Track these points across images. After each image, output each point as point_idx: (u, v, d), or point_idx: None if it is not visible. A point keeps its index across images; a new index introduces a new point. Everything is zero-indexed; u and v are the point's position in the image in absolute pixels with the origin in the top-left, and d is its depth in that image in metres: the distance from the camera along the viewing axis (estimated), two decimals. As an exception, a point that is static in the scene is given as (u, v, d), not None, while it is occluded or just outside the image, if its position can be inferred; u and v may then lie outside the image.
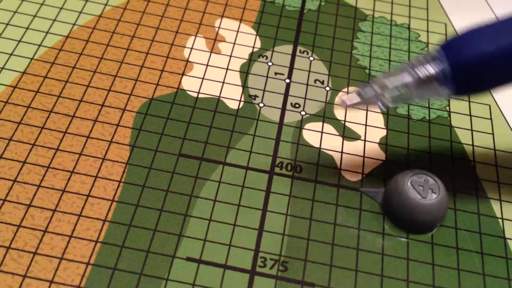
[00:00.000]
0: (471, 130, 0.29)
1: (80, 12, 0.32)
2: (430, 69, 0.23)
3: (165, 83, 0.29)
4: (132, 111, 0.28)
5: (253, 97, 0.29)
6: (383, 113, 0.29)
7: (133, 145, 0.27)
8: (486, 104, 0.30)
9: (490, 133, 0.29)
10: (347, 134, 0.28)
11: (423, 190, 0.25)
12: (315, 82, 0.30)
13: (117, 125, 0.27)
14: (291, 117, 0.29)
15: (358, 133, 0.28)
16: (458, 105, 0.30)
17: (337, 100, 0.26)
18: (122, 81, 0.29)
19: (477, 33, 0.22)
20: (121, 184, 0.25)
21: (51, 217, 0.24)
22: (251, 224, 0.25)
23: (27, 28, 0.31)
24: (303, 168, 0.27)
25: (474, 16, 0.34)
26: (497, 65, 0.22)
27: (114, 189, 0.25)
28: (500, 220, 0.26)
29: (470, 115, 0.29)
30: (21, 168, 0.25)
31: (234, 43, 0.31)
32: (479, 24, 0.23)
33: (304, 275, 0.24)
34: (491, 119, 0.29)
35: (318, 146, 0.28)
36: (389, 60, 0.31)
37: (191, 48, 0.31)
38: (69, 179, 0.25)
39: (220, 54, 0.31)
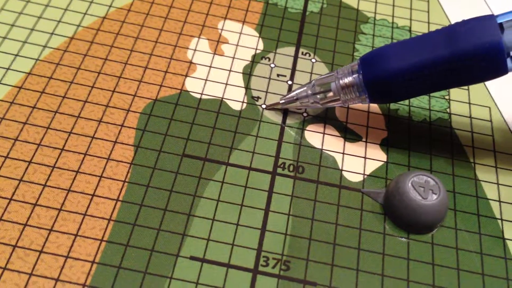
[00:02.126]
0: (471, 131, 0.29)
1: (85, 14, 0.32)
2: (350, 79, 0.26)
3: (168, 84, 0.30)
4: (136, 112, 0.28)
5: (256, 99, 0.30)
6: (384, 114, 0.29)
7: (137, 145, 0.27)
8: (486, 107, 0.30)
9: (490, 135, 0.29)
10: (348, 135, 0.29)
11: (423, 191, 0.25)
12: (317, 83, 0.30)
13: (122, 125, 0.28)
14: (293, 118, 0.29)
15: (360, 134, 0.29)
16: (458, 107, 0.30)
17: (270, 103, 0.29)
18: (126, 82, 0.29)
19: (386, 52, 0.26)
20: (126, 184, 0.26)
21: (57, 216, 0.24)
22: (253, 224, 0.25)
23: (32, 29, 0.31)
24: (305, 168, 0.27)
25: (474, 19, 0.35)
26: (399, 80, 0.25)
27: (118, 189, 0.26)
28: (499, 221, 0.26)
29: (470, 117, 0.30)
30: (27, 168, 0.26)
31: (237, 45, 0.32)
32: (393, 42, 0.27)
33: (306, 275, 0.24)
34: (491, 121, 0.30)
35: (320, 147, 0.28)
36: (390, 62, 0.32)
37: (195, 50, 0.31)
38: (74, 178, 0.26)
39: (223, 55, 0.31)
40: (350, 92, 0.26)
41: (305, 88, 0.28)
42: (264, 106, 0.29)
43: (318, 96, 0.27)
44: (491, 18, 0.25)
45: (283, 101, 0.28)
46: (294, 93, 0.28)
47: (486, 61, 0.24)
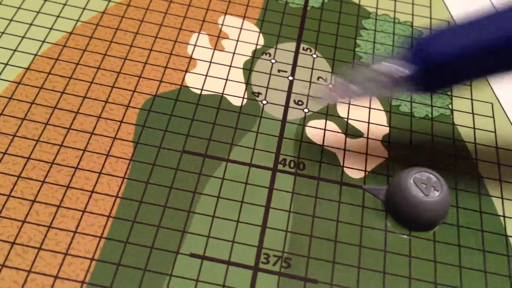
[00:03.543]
0: (474, 128, 0.29)
1: (84, 9, 0.32)
2: (399, 66, 0.24)
3: (168, 80, 0.29)
4: (135, 108, 0.28)
5: (256, 94, 0.29)
6: (386, 110, 0.29)
7: (137, 141, 0.27)
8: (489, 103, 0.30)
9: (492, 131, 0.29)
10: (350, 131, 0.28)
11: (425, 188, 0.25)
12: (318, 79, 0.30)
13: (121, 121, 0.27)
14: (294, 114, 0.29)
15: (361, 130, 0.28)
16: (460, 103, 0.30)
17: (311, 93, 0.27)
18: (126, 78, 0.29)
19: (440, 36, 0.24)
20: (125, 180, 0.26)
21: (56, 213, 0.24)
22: (254, 220, 0.25)
23: (31, 24, 0.31)
24: (306, 165, 0.27)
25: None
26: (460, 65, 0.23)
27: (118, 185, 0.25)
28: (501, 218, 0.26)
29: (473, 113, 0.30)
30: (25, 164, 0.26)
31: (238, 40, 0.31)
32: (443, 27, 0.24)
33: (307, 272, 0.24)
34: (493, 117, 0.29)
35: (321, 143, 0.28)
36: (392, 58, 0.31)
37: (195, 45, 0.31)
38: (73, 175, 0.25)
39: (224, 51, 0.31)
40: (399, 81, 0.24)
41: (341, 78, 0.25)
42: (306, 110, 0.26)
43: (361, 86, 0.25)
44: None
45: (321, 95, 0.26)
46: (331, 84, 0.25)
47: None
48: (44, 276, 0.23)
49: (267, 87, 0.30)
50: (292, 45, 0.32)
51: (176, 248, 0.24)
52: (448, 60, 0.23)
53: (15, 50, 0.30)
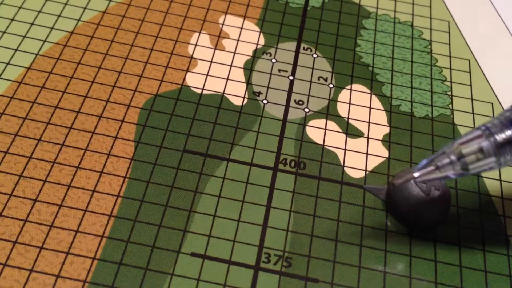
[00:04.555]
0: (474, 128, 0.29)
1: (85, 8, 0.32)
2: (508, 132, 0.21)
3: (169, 80, 0.29)
4: (136, 107, 0.28)
5: (257, 94, 0.29)
6: (386, 110, 0.29)
7: (138, 141, 0.27)
8: (489, 102, 0.30)
9: (492, 131, 0.29)
10: (350, 131, 0.28)
11: (426, 187, 0.25)
12: (318, 79, 0.30)
13: (122, 121, 0.27)
14: (295, 114, 0.29)
15: (362, 130, 0.28)
16: (461, 103, 0.30)
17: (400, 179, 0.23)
18: (127, 77, 0.29)
19: None
20: (126, 179, 0.26)
21: (57, 212, 0.24)
22: (255, 220, 0.25)
23: (32, 24, 0.31)
24: (306, 164, 0.27)
25: (476, 13, 0.35)
26: None
27: (119, 185, 0.25)
28: (502, 218, 0.26)
29: (473, 113, 0.30)
30: (27, 163, 0.26)
31: (238, 40, 0.32)
32: None
33: (307, 271, 0.24)
34: (493, 117, 0.30)
35: (322, 143, 0.28)
36: (392, 58, 0.31)
37: (195, 45, 0.31)
38: (74, 174, 0.25)
39: (224, 50, 0.31)
40: (511, 150, 0.21)
41: (445, 153, 0.22)
42: (393, 179, 0.23)
43: (467, 160, 0.21)
44: None
45: (418, 174, 0.22)
46: (434, 161, 0.22)
47: None
48: (46, 275, 0.23)
49: (267, 87, 0.30)
50: (292, 45, 0.32)
51: (177, 248, 0.24)
52: None
53: (16, 50, 0.30)
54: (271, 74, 0.30)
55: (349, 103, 0.29)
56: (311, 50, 0.32)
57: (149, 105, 0.28)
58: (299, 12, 0.33)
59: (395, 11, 0.34)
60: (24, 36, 0.30)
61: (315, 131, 0.28)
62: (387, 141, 0.28)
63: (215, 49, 0.31)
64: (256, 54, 0.31)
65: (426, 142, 0.28)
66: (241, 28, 0.32)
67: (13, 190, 0.25)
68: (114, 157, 0.26)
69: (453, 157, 0.22)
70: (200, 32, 0.32)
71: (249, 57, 0.31)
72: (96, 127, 0.27)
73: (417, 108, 0.30)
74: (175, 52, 0.31)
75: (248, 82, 0.30)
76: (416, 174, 0.22)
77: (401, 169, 0.27)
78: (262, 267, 0.24)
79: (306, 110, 0.29)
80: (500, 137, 0.21)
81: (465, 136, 0.22)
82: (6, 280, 0.22)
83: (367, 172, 0.27)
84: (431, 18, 0.34)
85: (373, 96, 0.30)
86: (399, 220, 0.25)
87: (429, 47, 0.32)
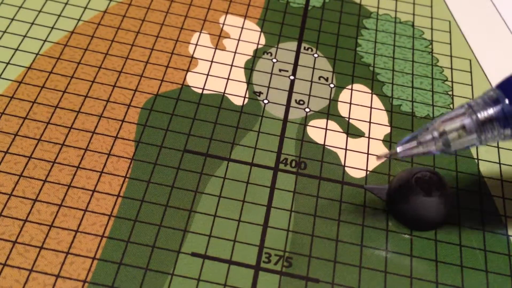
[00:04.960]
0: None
1: (85, 8, 0.32)
2: (491, 111, 0.22)
3: (170, 79, 0.29)
4: (137, 107, 0.28)
5: (258, 94, 0.29)
6: (387, 110, 0.29)
7: (138, 140, 0.27)
8: (490, 102, 0.30)
9: (494, 131, 0.29)
10: (351, 131, 0.28)
11: (427, 188, 0.25)
12: (319, 79, 0.30)
13: (122, 120, 0.27)
14: (296, 113, 0.29)
15: (362, 130, 0.28)
16: (462, 101, 0.30)
17: (381, 153, 0.24)
18: (127, 77, 0.29)
19: None
20: (127, 179, 0.26)
21: (57, 212, 0.24)
22: (255, 220, 0.25)
23: (32, 23, 0.31)
24: (307, 164, 0.27)
25: (477, 13, 0.34)
26: None
27: (119, 185, 0.25)
28: (503, 218, 0.26)
29: (474, 113, 0.30)
30: (27, 163, 0.26)
31: (239, 40, 0.31)
32: None
33: (308, 271, 0.24)
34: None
35: (322, 143, 0.28)
36: (393, 58, 0.31)
37: (196, 44, 0.31)
38: (74, 174, 0.25)
39: (225, 50, 0.31)
40: (492, 128, 0.22)
41: (428, 130, 0.23)
42: (377, 156, 0.24)
43: (449, 137, 0.22)
44: None
45: (401, 149, 0.23)
46: (416, 136, 0.23)
47: None
48: (45, 275, 0.23)
49: (268, 87, 0.30)
50: (293, 45, 0.32)
51: (177, 247, 0.24)
52: None
53: (16, 49, 0.30)
54: (271, 74, 0.30)
55: (350, 103, 0.29)
56: (311, 50, 0.31)
57: (149, 105, 0.28)
58: (300, 12, 0.33)
59: (396, 11, 0.34)
60: (25, 36, 0.30)
61: (315, 131, 0.28)
62: (388, 141, 0.28)
63: (215, 48, 0.31)
64: (257, 54, 0.31)
65: (427, 142, 0.28)
66: (242, 28, 0.32)
67: (13, 190, 0.25)
68: (115, 157, 0.26)
69: (435, 134, 0.22)
70: (200, 32, 0.32)
71: (249, 57, 0.31)
72: (96, 127, 0.27)
73: (418, 108, 0.29)
74: (176, 52, 0.30)
75: (249, 82, 0.30)
76: (398, 149, 0.23)
77: (401, 169, 0.27)
78: (263, 267, 0.24)
79: (307, 110, 0.29)
80: (482, 115, 0.22)
81: (448, 113, 0.22)
82: (6, 280, 0.22)
83: (368, 172, 0.27)
84: (432, 17, 0.34)
85: (374, 96, 0.30)
86: (400, 220, 0.25)
87: (430, 46, 0.32)
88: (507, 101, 0.21)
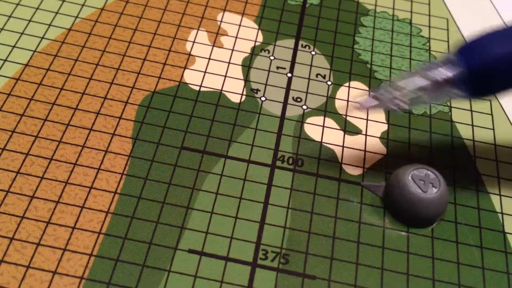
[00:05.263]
0: (472, 125, 0.29)
1: (83, 5, 0.32)
2: (447, 72, 0.23)
3: (167, 77, 0.29)
4: (134, 104, 0.28)
5: (255, 91, 0.29)
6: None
7: (136, 138, 0.27)
8: (487, 100, 0.30)
9: (491, 128, 0.29)
10: (348, 128, 0.28)
11: (423, 184, 0.25)
12: (316, 76, 0.30)
13: (120, 118, 0.27)
14: (293, 111, 0.29)
15: (359, 127, 0.28)
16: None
17: (352, 104, 0.26)
18: (125, 74, 0.29)
19: (493, 37, 0.23)
20: (124, 176, 0.26)
21: (54, 209, 0.24)
22: (252, 217, 0.25)
23: (30, 21, 0.31)
24: (304, 161, 0.27)
25: (475, 11, 0.34)
26: (508, 68, 0.22)
27: (116, 182, 0.25)
28: (499, 215, 0.26)
29: (471, 110, 0.30)
30: (24, 160, 0.26)
31: (236, 37, 0.31)
32: (494, 28, 0.23)
33: (305, 268, 0.24)
34: (491, 114, 0.30)
35: (320, 140, 0.28)
36: (390, 55, 0.31)
37: (193, 42, 0.31)
38: (72, 171, 0.25)
39: (222, 48, 0.31)
40: (447, 88, 0.23)
41: (387, 87, 0.24)
42: (362, 105, 0.25)
43: (406, 96, 0.24)
44: None
45: (360, 104, 0.25)
46: (376, 93, 0.24)
47: None
48: (42, 271, 0.23)
49: (265, 84, 0.30)
50: (291, 42, 0.32)
51: (174, 244, 0.24)
52: (501, 62, 0.22)
53: (14, 47, 0.30)
54: (269, 71, 0.30)
55: (347, 100, 0.29)
56: (309, 47, 0.32)
57: (146, 102, 0.28)
58: (297, 9, 0.33)
59: (393, 9, 0.34)
60: (22, 33, 0.30)
61: (313, 128, 0.28)
62: (385, 138, 0.28)
63: (213, 46, 0.31)
64: (254, 51, 0.31)
65: (424, 139, 0.28)
66: (239, 25, 0.32)
67: (10, 186, 0.25)
68: (112, 154, 0.26)
69: (394, 92, 0.24)
70: (198, 29, 0.32)
71: (247, 54, 0.31)
72: (93, 124, 0.27)
73: (415, 105, 0.29)
74: (173, 49, 0.30)
75: (246, 79, 0.30)
76: (360, 104, 0.25)
77: (399, 166, 0.27)
78: (260, 264, 0.24)
79: (304, 107, 0.29)
80: (438, 76, 0.23)
81: (407, 73, 0.24)
82: (3, 276, 0.22)
83: (365, 169, 0.27)
84: (429, 15, 0.34)
85: (371, 93, 0.30)
86: (396, 217, 0.25)
87: (428, 44, 0.32)
88: (460, 64, 0.23)
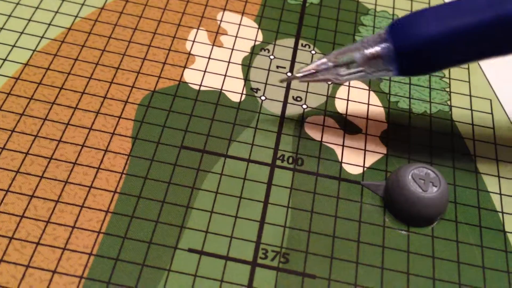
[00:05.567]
0: (472, 124, 0.29)
1: (82, 4, 0.32)
2: (377, 48, 0.24)
3: (167, 76, 0.29)
4: (134, 103, 0.28)
5: (255, 90, 0.29)
6: (384, 106, 0.29)
7: (135, 137, 0.27)
8: (487, 99, 0.30)
9: (491, 128, 0.29)
10: (348, 127, 0.28)
11: (424, 184, 0.25)
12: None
13: (119, 117, 0.27)
14: (293, 110, 0.29)
15: (359, 126, 0.28)
16: (459, 99, 0.30)
17: (284, 77, 0.27)
18: (124, 74, 0.29)
19: (422, 17, 0.23)
20: (123, 175, 0.26)
21: (54, 208, 0.24)
22: (252, 216, 0.25)
23: (29, 20, 0.31)
24: (304, 161, 0.27)
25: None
26: (439, 48, 0.23)
27: (116, 181, 0.25)
28: (500, 214, 0.26)
29: (471, 109, 0.30)
30: (23, 159, 0.26)
31: (236, 36, 0.31)
32: (425, 7, 0.24)
33: (305, 267, 0.24)
34: (492, 113, 0.30)
35: (320, 139, 0.28)
36: (390, 54, 0.31)
37: (193, 41, 0.31)
38: (71, 170, 0.25)
39: (222, 47, 0.31)
40: (378, 64, 0.24)
41: (324, 60, 0.25)
42: (279, 79, 0.27)
43: (341, 69, 0.25)
44: None
45: (300, 74, 0.26)
46: (314, 65, 0.25)
47: None
48: (42, 271, 0.23)
49: (265, 83, 0.30)
50: (290, 41, 0.32)
51: (174, 243, 0.24)
52: (428, 41, 0.23)
53: (13, 46, 0.30)
54: (269, 70, 0.30)
55: (347, 100, 0.29)
56: (309, 47, 0.31)
57: (146, 101, 0.28)
58: (297, 8, 0.33)
59: (393, 8, 0.34)
60: (22, 32, 0.30)
61: (313, 127, 0.28)
62: (385, 137, 0.28)
63: (213, 45, 0.31)
64: (254, 51, 0.31)
65: (424, 138, 0.28)
66: (239, 25, 0.32)
67: (10, 186, 0.25)
68: (111, 153, 0.26)
69: (330, 64, 0.25)
70: (198, 29, 0.32)
71: (247, 54, 0.31)
72: (93, 123, 0.27)
73: (415, 105, 0.29)
74: (173, 49, 0.30)
75: (246, 79, 0.30)
76: (298, 75, 0.26)
77: (399, 165, 0.27)
78: (260, 263, 0.24)
79: (304, 106, 0.29)
80: (370, 52, 0.24)
81: (344, 47, 0.25)
82: (2, 275, 0.22)
83: (365, 169, 0.27)
84: (429, 14, 0.34)
85: (371, 92, 0.30)
86: (397, 216, 0.25)
87: (428, 43, 0.32)
88: (389, 41, 0.24)
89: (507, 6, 0.22)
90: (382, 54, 0.24)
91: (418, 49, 0.23)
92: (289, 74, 0.27)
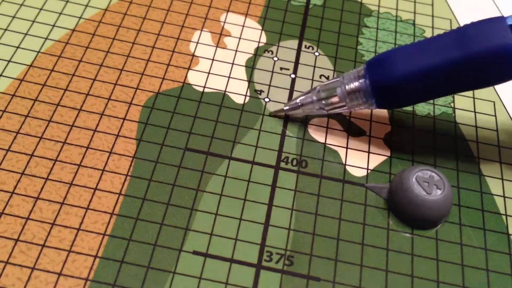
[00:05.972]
0: (476, 126, 0.29)
1: (86, 6, 0.32)
2: (356, 84, 0.26)
3: (171, 77, 0.29)
4: (138, 105, 0.28)
5: (259, 92, 0.29)
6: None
7: (140, 139, 0.27)
8: (491, 101, 0.30)
9: (494, 130, 0.29)
10: (352, 129, 0.28)
11: (428, 186, 0.25)
12: (320, 77, 0.30)
13: (124, 119, 0.27)
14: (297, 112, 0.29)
15: (363, 128, 0.28)
16: (462, 101, 0.30)
17: (274, 110, 0.29)
18: (128, 75, 0.29)
19: (395, 55, 0.25)
20: (128, 177, 0.26)
21: (59, 210, 0.24)
22: (257, 218, 0.25)
23: (34, 22, 0.31)
24: (308, 163, 0.27)
25: (479, 12, 0.34)
26: (408, 86, 0.25)
27: (121, 183, 0.25)
28: (504, 217, 0.26)
29: (475, 112, 0.30)
30: (28, 161, 0.26)
31: (240, 38, 0.31)
32: (400, 45, 0.26)
33: (309, 270, 0.24)
34: (495, 115, 0.30)
35: (324, 141, 0.28)
36: (394, 56, 0.31)
37: (197, 43, 0.31)
38: (76, 172, 0.25)
39: (226, 48, 0.31)
40: (357, 98, 0.26)
41: (309, 94, 0.27)
42: (269, 111, 0.28)
43: (323, 102, 0.27)
44: (501, 20, 0.24)
45: (287, 107, 0.28)
46: (298, 99, 0.27)
47: (497, 64, 0.24)
48: (47, 273, 0.23)
49: (269, 85, 0.30)
50: (294, 43, 0.32)
51: (179, 246, 0.24)
52: (399, 78, 0.25)
53: (18, 47, 0.30)
54: (272, 72, 0.30)
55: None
56: (312, 48, 0.32)
57: (150, 103, 0.28)
58: (301, 10, 0.33)
59: (397, 9, 0.34)
60: (26, 34, 0.30)
61: (317, 129, 0.28)
62: (389, 139, 0.28)
63: (216, 47, 0.31)
64: (258, 52, 0.31)
65: (428, 140, 0.28)
66: (243, 26, 0.32)
67: (15, 188, 0.25)
68: (116, 155, 0.26)
69: (314, 98, 0.27)
70: (201, 30, 0.32)
71: (250, 55, 0.31)
72: (97, 125, 0.27)
73: (418, 107, 0.30)
74: (177, 50, 0.30)
75: (250, 80, 0.30)
76: (285, 108, 0.28)
77: (403, 167, 0.27)
78: (264, 266, 0.24)
79: (308, 108, 0.29)
80: (349, 87, 0.26)
81: (326, 82, 0.27)
82: (8, 278, 0.22)
83: (369, 171, 0.27)
84: (433, 16, 0.34)
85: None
86: (401, 219, 0.25)
87: (431, 45, 0.32)
88: (368, 77, 0.25)
89: (473, 46, 0.24)
90: (361, 89, 0.26)
91: (389, 86, 0.25)
92: (277, 108, 0.29)
